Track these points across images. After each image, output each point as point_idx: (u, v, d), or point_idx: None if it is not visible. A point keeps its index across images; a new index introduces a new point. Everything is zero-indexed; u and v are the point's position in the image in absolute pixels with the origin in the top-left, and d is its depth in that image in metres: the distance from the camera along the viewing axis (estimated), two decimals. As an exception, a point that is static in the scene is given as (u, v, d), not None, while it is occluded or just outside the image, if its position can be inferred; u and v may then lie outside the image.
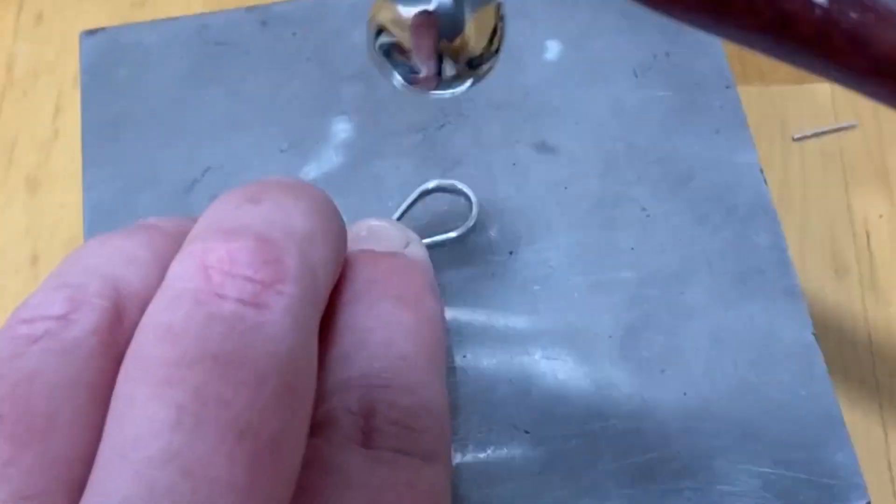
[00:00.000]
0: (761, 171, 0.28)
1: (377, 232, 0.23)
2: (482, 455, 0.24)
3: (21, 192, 0.33)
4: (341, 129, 0.29)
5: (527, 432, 0.24)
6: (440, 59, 0.21)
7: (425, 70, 0.21)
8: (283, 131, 0.29)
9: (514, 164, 0.28)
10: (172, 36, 0.31)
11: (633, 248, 0.27)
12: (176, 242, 0.19)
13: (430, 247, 0.25)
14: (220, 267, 0.16)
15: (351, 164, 0.28)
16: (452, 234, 0.26)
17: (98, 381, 0.16)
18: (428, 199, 0.26)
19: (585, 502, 0.23)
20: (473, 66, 0.21)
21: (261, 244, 0.16)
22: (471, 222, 0.27)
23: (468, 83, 0.21)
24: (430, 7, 0.20)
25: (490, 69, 0.21)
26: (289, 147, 0.29)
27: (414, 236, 0.24)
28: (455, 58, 0.21)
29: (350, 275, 0.21)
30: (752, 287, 0.26)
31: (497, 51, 0.21)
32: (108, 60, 0.30)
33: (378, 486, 0.17)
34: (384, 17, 0.21)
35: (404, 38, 0.20)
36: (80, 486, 0.15)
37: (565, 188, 0.28)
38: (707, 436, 0.24)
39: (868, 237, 0.31)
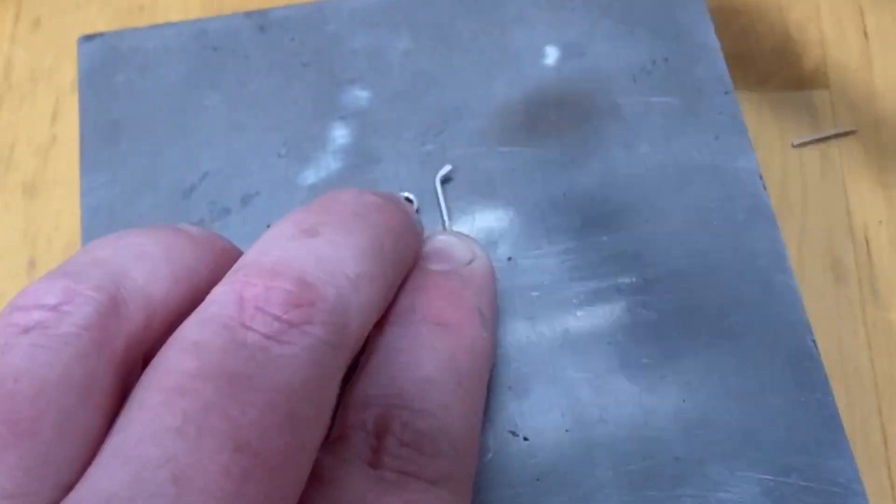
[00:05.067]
0: (760, 176, 0.28)
1: (441, 249, 0.23)
2: (481, 462, 0.24)
3: (18, 198, 0.33)
4: (340, 134, 0.29)
5: (525, 439, 0.24)
6: None
7: None
8: (282, 136, 0.29)
9: (512, 170, 0.28)
10: (171, 41, 0.31)
11: (631, 255, 0.27)
12: (198, 246, 0.19)
13: None
14: (254, 302, 0.16)
15: (349, 169, 0.28)
16: None
17: (88, 382, 0.16)
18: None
19: (584, 509, 0.23)
20: None
21: (299, 287, 0.17)
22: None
23: None
24: None
25: None
26: (287, 152, 0.29)
27: (480, 251, 0.24)
28: None
29: (396, 295, 0.21)
30: (752, 293, 0.26)
31: None
32: (106, 66, 0.30)
33: (372, 503, 0.17)
34: None
35: None
36: (67, 486, 0.15)
37: (564, 194, 0.28)
38: (706, 442, 0.24)
39: (867, 243, 0.31)
